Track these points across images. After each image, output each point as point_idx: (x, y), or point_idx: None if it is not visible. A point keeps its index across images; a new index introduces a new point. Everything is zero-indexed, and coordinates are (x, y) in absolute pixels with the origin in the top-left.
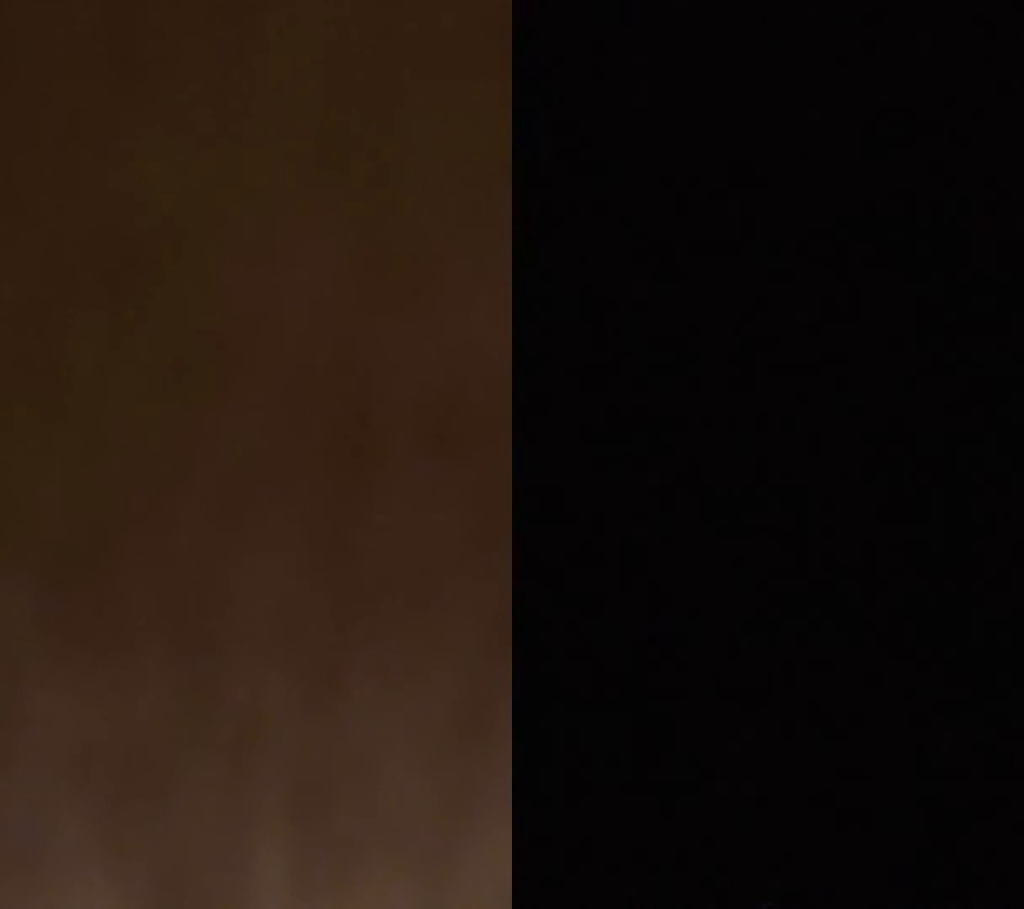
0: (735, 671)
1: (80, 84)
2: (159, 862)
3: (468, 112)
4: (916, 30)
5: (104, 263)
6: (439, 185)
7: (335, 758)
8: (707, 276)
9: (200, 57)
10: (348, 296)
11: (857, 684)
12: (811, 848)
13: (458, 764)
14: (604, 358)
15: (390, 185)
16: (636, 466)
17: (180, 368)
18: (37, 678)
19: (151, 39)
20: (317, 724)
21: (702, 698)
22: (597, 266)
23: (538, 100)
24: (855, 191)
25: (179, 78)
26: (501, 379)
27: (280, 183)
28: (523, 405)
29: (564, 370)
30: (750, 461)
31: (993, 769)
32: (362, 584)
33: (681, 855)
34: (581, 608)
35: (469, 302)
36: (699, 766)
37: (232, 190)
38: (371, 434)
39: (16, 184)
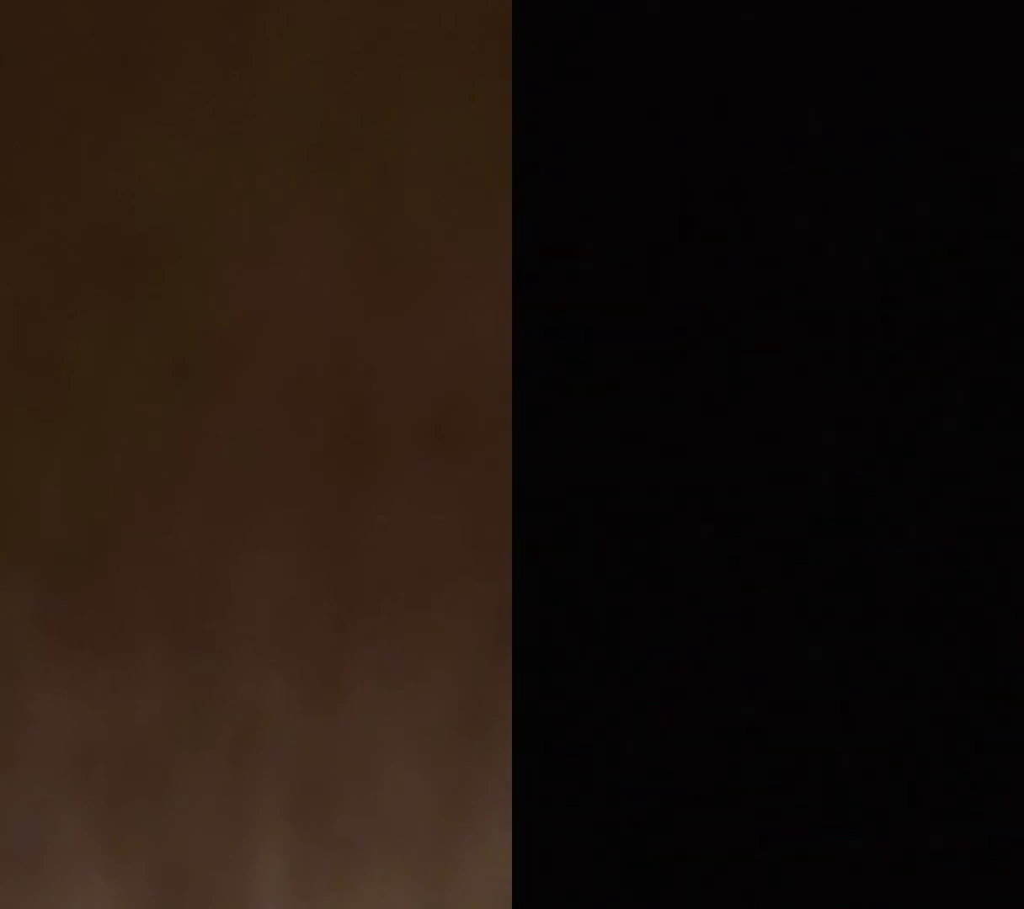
0: (737, 670)
1: (80, 84)
2: (159, 862)
3: (468, 112)
4: (922, 31)
5: (104, 263)
6: (439, 185)
7: (335, 758)
8: (708, 276)
9: (200, 57)
10: (348, 296)
11: (863, 685)
12: (812, 848)
13: (458, 764)
14: (604, 358)
15: (390, 185)
16: (636, 466)
17: (180, 368)
18: (37, 678)
19: (151, 39)
20: (317, 724)
21: (703, 697)
22: (597, 266)
23: (538, 100)
24: (858, 194)
25: (179, 78)
26: (501, 379)
27: (280, 183)
28: (523, 405)
29: (564, 370)
30: (751, 461)
31: (1001, 780)
32: (362, 584)
33: (681, 855)
34: (581, 608)
35: (469, 302)
36: (700, 765)
37: (232, 190)
38: (371, 434)
39: (16, 184)
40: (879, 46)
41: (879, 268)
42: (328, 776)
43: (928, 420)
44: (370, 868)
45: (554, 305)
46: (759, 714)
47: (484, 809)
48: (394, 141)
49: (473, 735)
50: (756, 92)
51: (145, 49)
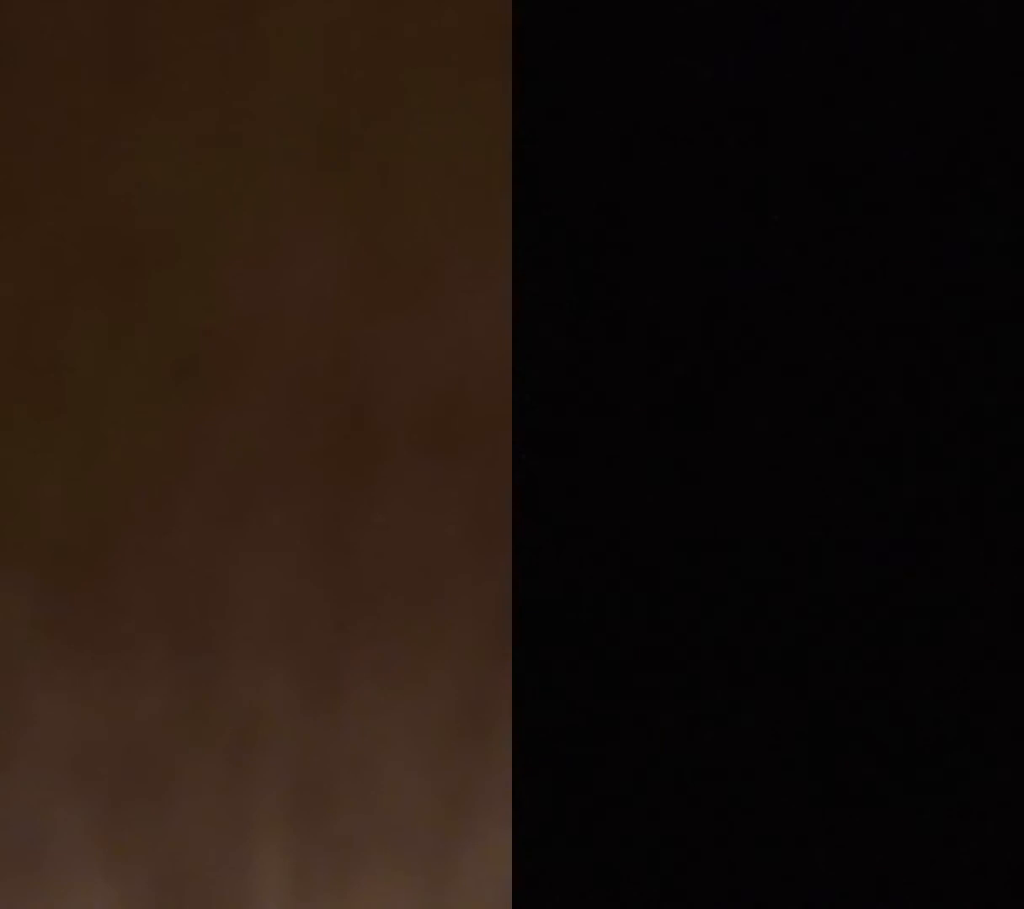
0: (737, 670)
1: (80, 84)
2: (159, 862)
3: (468, 112)
4: (927, 33)
5: (103, 263)
6: (439, 185)
7: (335, 758)
8: (709, 276)
9: (200, 57)
10: (348, 296)
11: (866, 685)
12: (813, 852)
13: (458, 764)
14: (604, 358)
15: (390, 185)
16: (637, 466)
17: (180, 368)
18: (37, 678)
19: (151, 39)
20: (317, 724)
21: (703, 698)
22: (597, 266)
23: (538, 99)
24: (859, 195)
25: (179, 78)
26: (501, 379)
27: (280, 183)
28: (523, 405)
29: (564, 370)
30: (751, 461)
31: (1007, 785)
32: (362, 584)
33: (682, 855)
34: (581, 608)
35: (469, 302)
36: (700, 766)
37: (232, 190)
38: (371, 434)
39: (16, 184)
40: (884, 45)
41: (883, 268)
42: (328, 776)
43: (935, 419)
44: (370, 868)
45: (554, 305)
46: (761, 715)
47: (484, 809)
48: (394, 141)
49: (473, 735)
50: (758, 92)
51: (145, 49)
